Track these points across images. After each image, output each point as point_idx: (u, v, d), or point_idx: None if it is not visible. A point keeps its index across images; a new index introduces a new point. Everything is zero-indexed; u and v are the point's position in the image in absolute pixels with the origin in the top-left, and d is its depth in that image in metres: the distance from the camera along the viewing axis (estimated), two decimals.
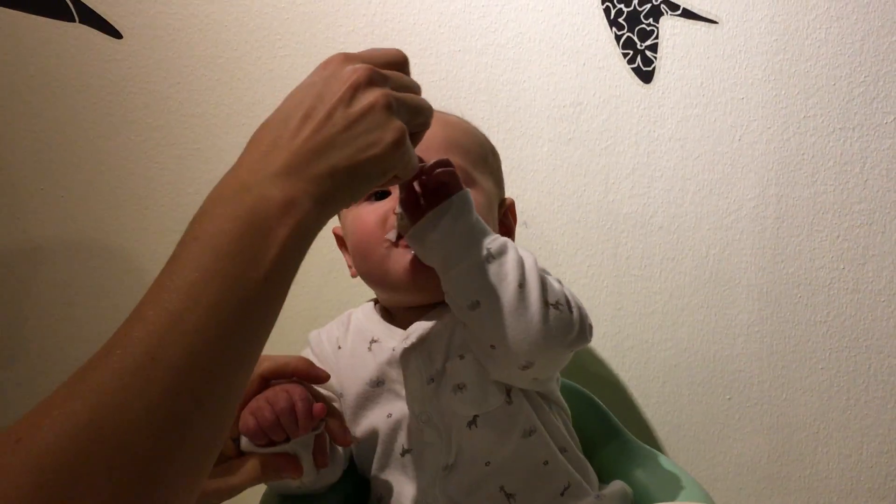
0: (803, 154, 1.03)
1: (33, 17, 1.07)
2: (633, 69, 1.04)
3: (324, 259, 1.03)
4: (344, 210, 0.83)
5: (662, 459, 0.87)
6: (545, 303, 0.70)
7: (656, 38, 1.03)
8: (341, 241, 0.87)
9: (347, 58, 0.60)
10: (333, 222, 0.88)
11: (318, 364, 0.81)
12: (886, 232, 1.03)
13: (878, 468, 1.07)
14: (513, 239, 0.83)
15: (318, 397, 0.73)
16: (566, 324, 0.72)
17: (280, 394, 0.69)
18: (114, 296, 1.10)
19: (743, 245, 1.05)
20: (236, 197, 0.53)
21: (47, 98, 1.07)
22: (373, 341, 0.81)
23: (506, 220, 0.86)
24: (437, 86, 1.06)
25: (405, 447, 0.78)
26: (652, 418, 1.08)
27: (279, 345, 0.64)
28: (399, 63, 0.64)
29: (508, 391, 0.77)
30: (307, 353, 0.86)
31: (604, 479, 0.84)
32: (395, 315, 0.84)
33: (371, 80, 0.59)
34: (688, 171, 1.05)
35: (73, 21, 1.07)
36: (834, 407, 1.07)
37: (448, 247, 0.71)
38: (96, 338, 0.47)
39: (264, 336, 0.53)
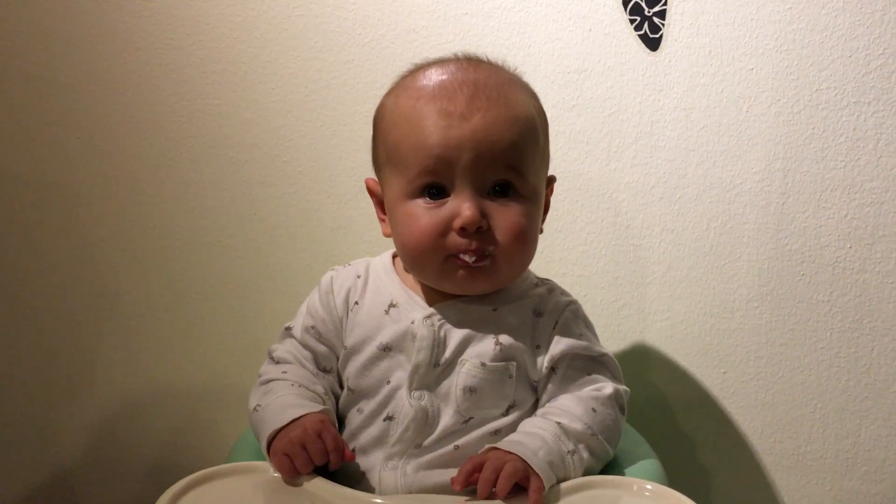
0: (814, 128, 1.00)
1: None
2: (639, 36, 1.02)
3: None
4: (389, 187, 0.81)
5: (629, 431, 0.88)
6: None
7: (664, 4, 1.00)
8: (372, 192, 0.86)
9: None
10: (365, 171, 0.88)
11: (321, 310, 0.85)
12: None
13: (876, 451, 1.05)
14: (546, 213, 0.83)
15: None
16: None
17: (314, 440, 0.73)
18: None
19: (745, 219, 1.03)
20: None
21: (73, 51, 1.13)
22: (391, 305, 0.82)
23: (547, 200, 0.84)
24: (443, 48, 1.06)
25: (389, 414, 0.79)
26: (644, 388, 1.09)
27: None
28: None
29: (510, 406, 0.79)
30: (313, 296, 0.86)
31: None
32: (417, 282, 0.84)
33: None
34: (692, 142, 1.03)
35: None
36: (833, 387, 1.05)
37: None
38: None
39: None
